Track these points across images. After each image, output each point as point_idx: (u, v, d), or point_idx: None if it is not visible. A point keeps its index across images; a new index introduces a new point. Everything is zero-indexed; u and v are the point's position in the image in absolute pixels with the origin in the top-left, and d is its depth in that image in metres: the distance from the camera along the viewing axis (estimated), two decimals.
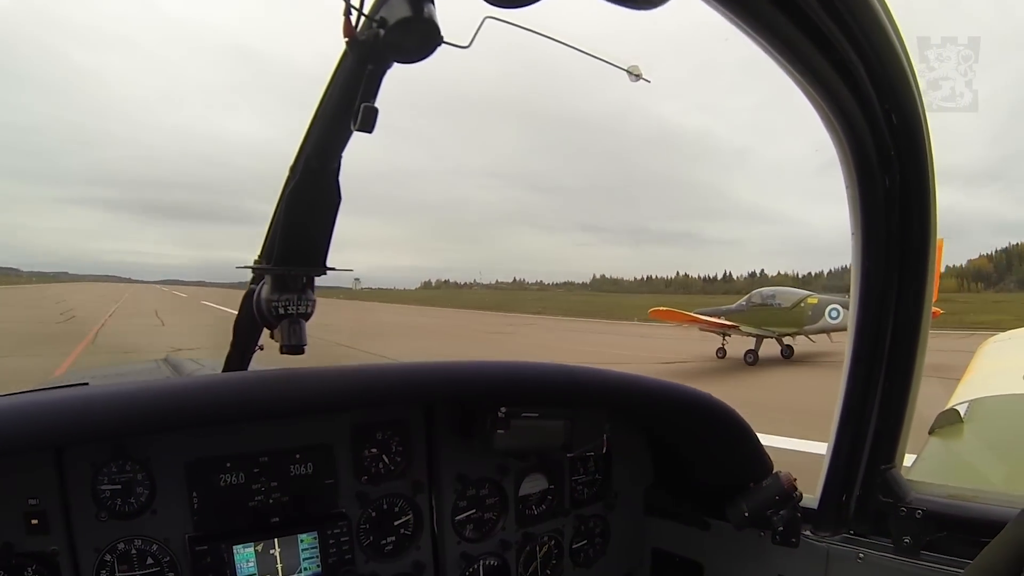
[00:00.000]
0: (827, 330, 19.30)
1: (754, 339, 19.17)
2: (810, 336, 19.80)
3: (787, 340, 20.08)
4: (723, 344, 19.69)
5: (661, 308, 22.90)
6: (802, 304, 19.70)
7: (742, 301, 21.31)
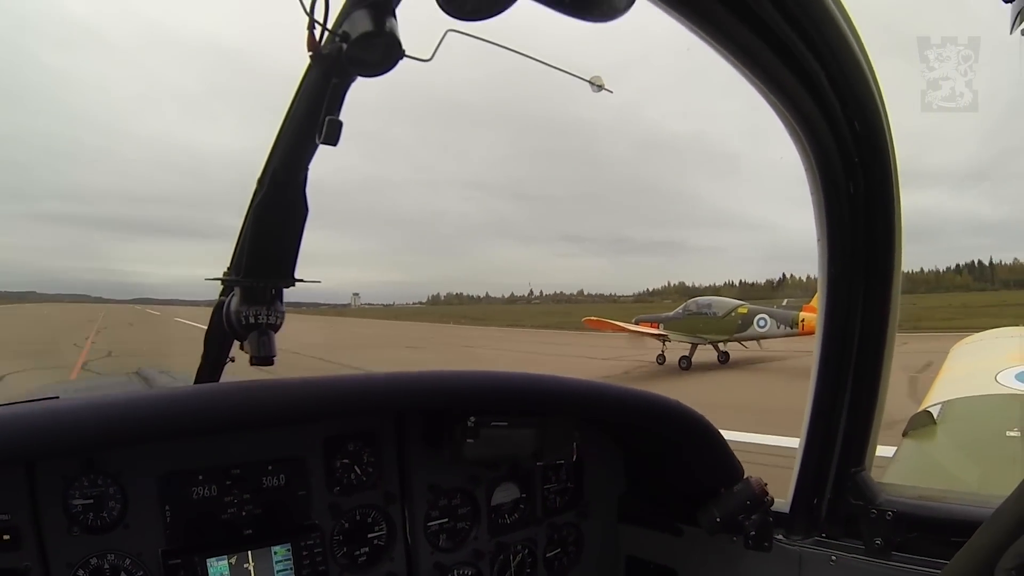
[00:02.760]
0: (755, 337, 19.84)
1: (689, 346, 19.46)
2: (742, 343, 20.31)
3: (722, 347, 20.48)
4: (663, 351, 19.91)
5: (593, 317, 22.92)
6: (733, 313, 20.20)
7: (679, 309, 21.60)
